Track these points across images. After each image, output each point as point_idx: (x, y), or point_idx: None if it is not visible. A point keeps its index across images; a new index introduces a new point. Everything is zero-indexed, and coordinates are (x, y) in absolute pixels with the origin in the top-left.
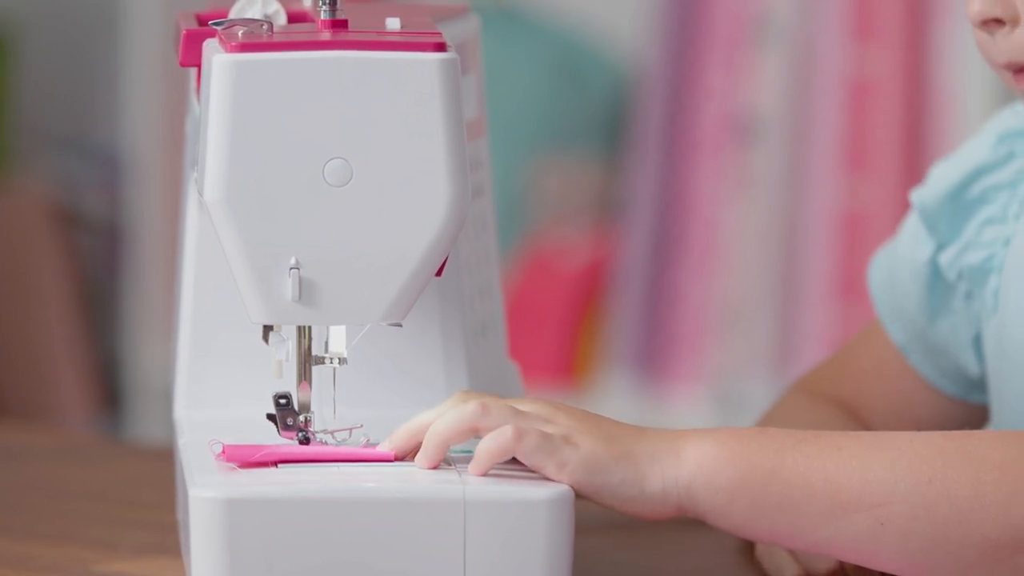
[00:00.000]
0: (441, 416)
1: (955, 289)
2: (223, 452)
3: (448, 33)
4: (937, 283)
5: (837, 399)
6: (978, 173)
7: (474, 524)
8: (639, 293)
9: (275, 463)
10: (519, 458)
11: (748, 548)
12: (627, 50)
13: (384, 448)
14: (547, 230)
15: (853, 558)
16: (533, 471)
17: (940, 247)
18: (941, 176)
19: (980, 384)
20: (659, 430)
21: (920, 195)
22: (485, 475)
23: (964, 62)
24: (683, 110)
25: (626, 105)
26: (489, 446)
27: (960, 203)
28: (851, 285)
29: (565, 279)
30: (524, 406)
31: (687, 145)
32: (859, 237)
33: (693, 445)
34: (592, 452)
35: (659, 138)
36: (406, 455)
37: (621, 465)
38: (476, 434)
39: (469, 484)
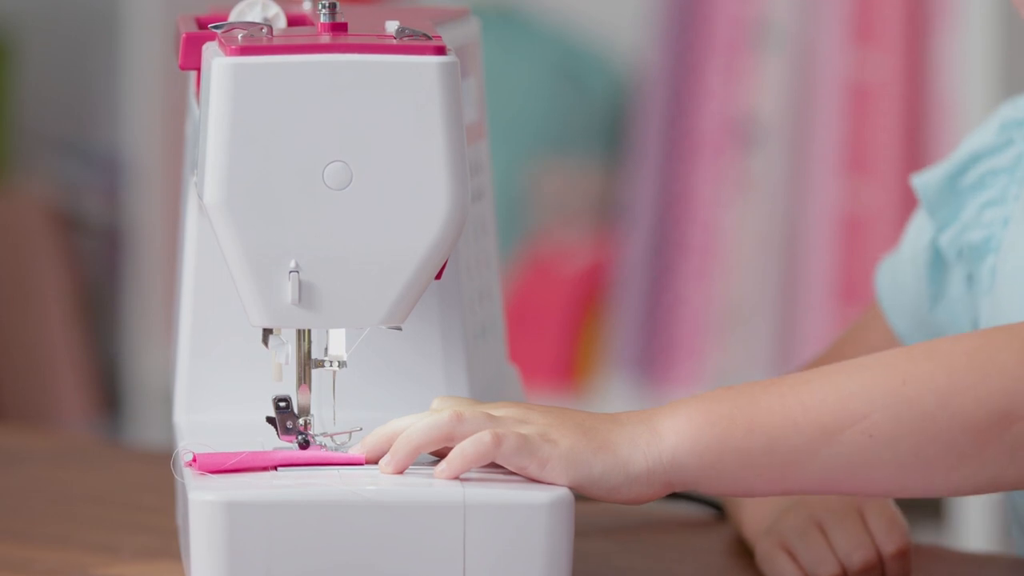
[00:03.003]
0: (415, 423)
1: (956, 271)
2: (193, 460)
3: (448, 36)
4: (937, 265)
5: None
6: (977, 157)
7: (474, 528)
8: (639, 296)
9: (261, 469)
10: (500, 462)
11: (749, 553)
12: (627, 53)
13: (356, 451)
14: (547, 233)
15: (851, 484)
16: (515, 474)
17: (940, 229)
18: (942, 162)
19: None
20: (632, 413)
21: (921, 178)
22: (455, 479)
23: (964, 66)
24: (683, 113)
25: (626, 108)
26: (467, 450)
27: (959, 186)
28: (851, 288)
29: (565, 282)
30: (497, 411)
31: (687, 148)
32: (859, 241)
33: (667, 418)
34: (572, 447)
35: (659, 141)
36: (378, 459)
37: (600, 455)
38: (450, 442)
39: (469, 488)
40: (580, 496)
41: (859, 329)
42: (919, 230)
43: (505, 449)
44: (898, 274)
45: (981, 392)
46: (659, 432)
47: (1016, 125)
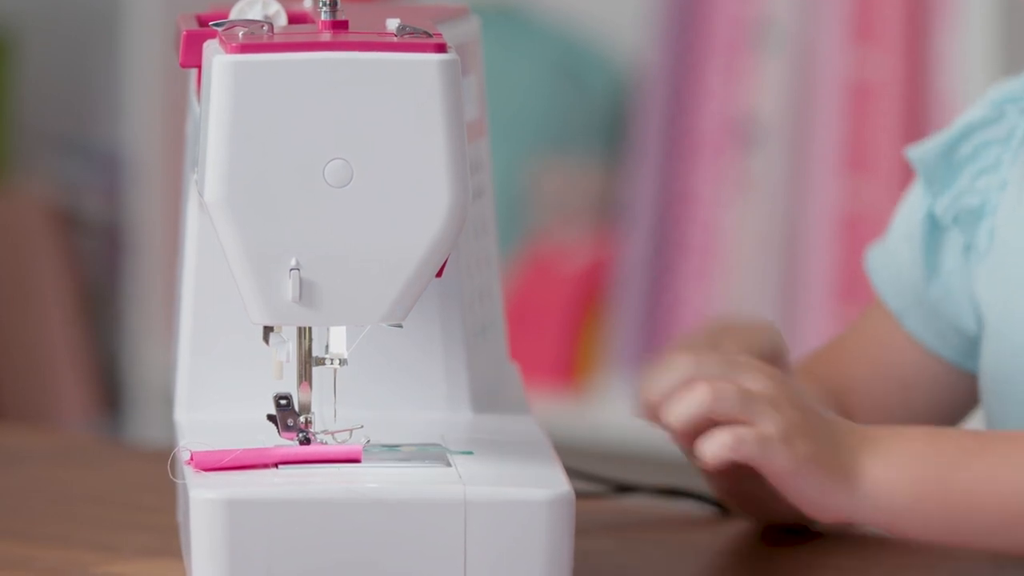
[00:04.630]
0: (672, 405)
1: (951, 241)
2: (191, 459)
3: (449, 34)
4: (933, 236)
5: (827, 382)
6: (970, 129)
7: (475, 525)
8: (639, 295)
9: (262, 466)
10: (736, 457)
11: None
12: (628, 52)
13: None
14: (547, 232)
15: None
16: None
17: (936, 197)
18: (936, 136)
19: (976, 348)
20: (845, 437)
21: (917, 151)
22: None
23: (964, 65)
24: (683, 113)
25: (626, 107)
26: (713, 448)
27: (955, 157)
28: (852, 288)
29: (565, 281)
30: (751, 379)
31: (687, 148)
32: (860, 240)
33: (869, 469)
34: (804, 461)
35: (659, 140)
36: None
37: (817, 478)
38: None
39: (470, 485)
40: (580, 495)
41: (863, 321)
42: (912, 208)
43: (743, 448)
44: (890, 254)
45: None
46: (857, 483)
47: (1007, 101)
